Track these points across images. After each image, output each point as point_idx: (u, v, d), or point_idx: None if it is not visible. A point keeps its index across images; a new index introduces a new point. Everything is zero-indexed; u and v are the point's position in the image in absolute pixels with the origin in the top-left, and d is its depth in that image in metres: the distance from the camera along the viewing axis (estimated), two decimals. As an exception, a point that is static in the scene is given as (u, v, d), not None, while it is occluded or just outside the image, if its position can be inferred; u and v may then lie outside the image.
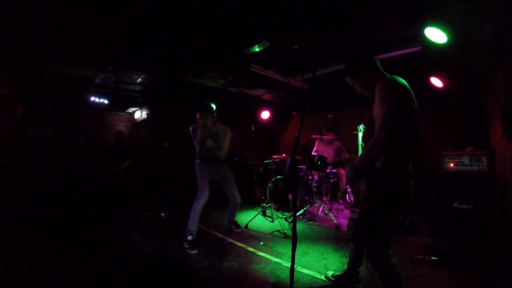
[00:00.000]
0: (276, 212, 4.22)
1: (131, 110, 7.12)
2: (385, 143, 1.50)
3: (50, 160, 4.81)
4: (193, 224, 3.10)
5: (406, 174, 1.64)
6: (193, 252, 2.92)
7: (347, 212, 4.70)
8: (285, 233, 3.51)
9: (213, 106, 3.50)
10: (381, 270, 1.69)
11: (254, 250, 3.03)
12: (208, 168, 3.40)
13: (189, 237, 3.03)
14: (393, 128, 1.48)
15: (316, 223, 4.11)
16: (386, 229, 1.67)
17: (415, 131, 1.66)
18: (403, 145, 1.60)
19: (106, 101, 5.66)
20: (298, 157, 5.06)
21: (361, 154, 1.65)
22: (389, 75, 1.72)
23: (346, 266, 2.25)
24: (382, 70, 1.80)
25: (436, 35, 2.70)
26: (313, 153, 5.04)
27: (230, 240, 3.39)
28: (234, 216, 3.81)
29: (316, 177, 4.57)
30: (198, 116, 3.30)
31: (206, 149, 3.35)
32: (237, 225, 3.77)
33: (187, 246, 2.98)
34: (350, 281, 2.20)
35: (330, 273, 2.34)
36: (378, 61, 1.82)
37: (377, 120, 1.60)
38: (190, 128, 3.46)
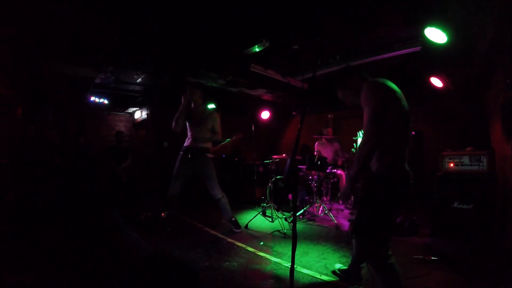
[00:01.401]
0: (276, 212, 4.22)
1: (131, 110, 7.12)
2: (370, 144, 1.52)
3: (57, 162, 4.81)
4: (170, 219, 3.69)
5: (400, 174, 1.64)
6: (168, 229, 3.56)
7: (347, 212, 4.70)
8: (285, 233, 3.51)
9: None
10: (380, 270, 1.70)
11: (254, 250, 3.03)
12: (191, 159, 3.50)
13: (168, 229, 3.63)
14: (377, 128, 1.51)
15: (316, 223, 4.11)
16: (384, 228, 1.67)
17: (405, 131, 1.66)
18: (393, 144, 1.61)
19: (106, 101, 5.66)
20: (298, 157, 5.06)
21: (353, 163, 1.66)
22: (373, 79, 1.74)
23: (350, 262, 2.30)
24: (368, 77, 1.84)
25: (436, 35, 2.70)
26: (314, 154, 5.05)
27: (230, 240, 3.38)
28: (229, 213, 3.64)
29: (316, 177, 4.57)
30: (188, 91, 3.48)
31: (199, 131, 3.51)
32: (236, 225, 3.69)
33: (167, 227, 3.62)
34: (352, 276, 2.23)
35: (337, 266, 2.40)
36: (365, 69, 1.88)
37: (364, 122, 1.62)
38: (183, 96, 3.45)
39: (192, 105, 3.58)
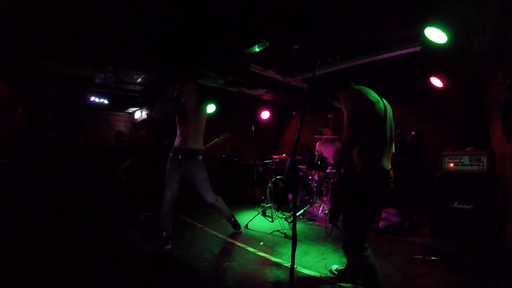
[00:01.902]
0: (276, 212, 4.22)
1: (131, 110, 7.12)
2: (349, 139, 1.75)
3: (56, 162, 4.81)
4: (165, 222, 3.14)
5: (378, 171, 1.78)
6: (167, 247, 3.06)
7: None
8: (285, 233, 3.51)
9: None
10: (355, 260, 1.82)
11: (254, 250, 3.03)
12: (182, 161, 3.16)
13: (164, 233, 3.12)
14: (355, 124, 1.74)
15: (316, 223, 4.11)
16: (359, 221, 1.79)
17: (381, 132, 1.80)
18: (370, 144, 1.77)
19: (106, 101, 5.66)
20: (298, 157, 5.06)
21: (338, 153, 1.90)
22: (352, 87, 1.95)
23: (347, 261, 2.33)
24: (351, 83, 2.01)
25: (436, 35, 2.70)
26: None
27: (230, 240, 3.39)
28: (227, 213, 3.55)
29: (316, 177, 4.57)
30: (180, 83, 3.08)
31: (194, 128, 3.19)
32: (236, 225, 3.67)
33: (161, 242, 3.09)
34: (350, 275, 2.26)
35: (334, 267, 2.43)
36: (348, 77, 2.08)
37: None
38: (170, 86, 3.04)
39: (183, 99, 3.02)
